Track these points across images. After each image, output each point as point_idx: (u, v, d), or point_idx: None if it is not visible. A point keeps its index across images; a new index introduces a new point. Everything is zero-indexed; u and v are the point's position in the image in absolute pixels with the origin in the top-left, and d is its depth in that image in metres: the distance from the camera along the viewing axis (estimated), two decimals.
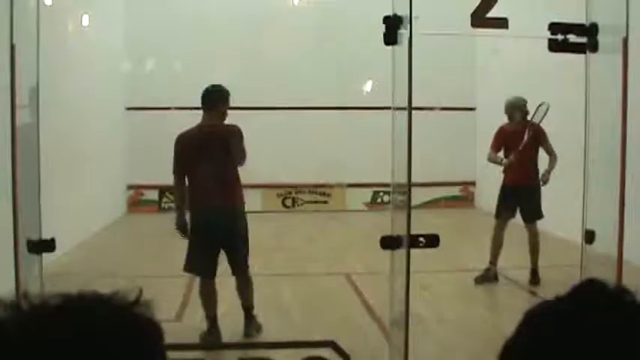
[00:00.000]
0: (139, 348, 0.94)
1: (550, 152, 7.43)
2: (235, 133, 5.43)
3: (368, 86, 12.78)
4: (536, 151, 7.48)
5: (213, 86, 5.53)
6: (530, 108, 7.45)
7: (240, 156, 5.45)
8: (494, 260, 7.43)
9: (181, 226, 5.47)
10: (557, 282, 6.43)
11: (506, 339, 1.05)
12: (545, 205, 7.45)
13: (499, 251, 7.44)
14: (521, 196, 7.38)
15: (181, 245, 5.48)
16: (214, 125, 5.43)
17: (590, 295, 1.03)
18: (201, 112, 5.45)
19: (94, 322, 0.92)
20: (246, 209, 5.59)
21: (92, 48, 10.34)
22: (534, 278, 7.28)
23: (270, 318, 5.66)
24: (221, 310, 5.51)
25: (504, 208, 7.52)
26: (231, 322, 5.46)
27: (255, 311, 5.61)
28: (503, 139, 7.53)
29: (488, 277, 7.38)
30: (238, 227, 5.46)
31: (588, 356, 0.97)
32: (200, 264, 5.41)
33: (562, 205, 7.54)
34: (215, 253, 5.42)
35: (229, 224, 5.39)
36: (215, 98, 5.45)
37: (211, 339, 5.32)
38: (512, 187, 7.42)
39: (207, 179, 5.34)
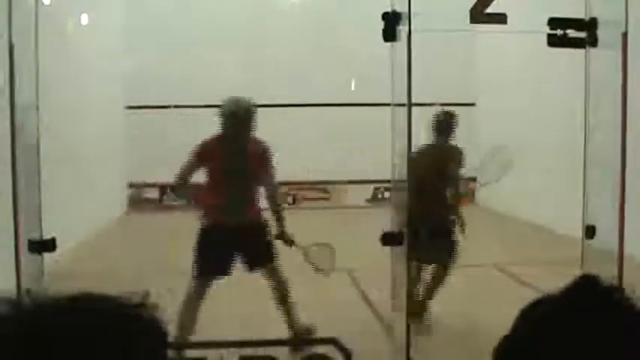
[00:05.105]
0: (141, 347, 0.94)
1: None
2: None
3: (367, 82, 12.78)
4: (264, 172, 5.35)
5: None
6: (530, 111, 7.41)
7: None
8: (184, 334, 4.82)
9: None
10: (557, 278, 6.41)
11: (500, 337, 1.05)
12: (545, 201, 7.43)
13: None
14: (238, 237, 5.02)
15: (181, 244, 5.48)
16: None
17: (584, 294, 1.04)
18: (200, 110, 5.42)
19: (98, 320, 0.92)
20: None
21: (92, 46, 10.33)
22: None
23: (272, 315, 5.65)
24: (226, 308, 5.53)
25: (206, 262, 5.03)
26: (234, 319, 5.46)
27: (258, 308, 5.64)
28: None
29: None
30: None
31: (580, 355, 0.97)
32: None
33: (563, 202, 7.53)
34: None
35: None
36: None
37: None
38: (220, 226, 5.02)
39: None
